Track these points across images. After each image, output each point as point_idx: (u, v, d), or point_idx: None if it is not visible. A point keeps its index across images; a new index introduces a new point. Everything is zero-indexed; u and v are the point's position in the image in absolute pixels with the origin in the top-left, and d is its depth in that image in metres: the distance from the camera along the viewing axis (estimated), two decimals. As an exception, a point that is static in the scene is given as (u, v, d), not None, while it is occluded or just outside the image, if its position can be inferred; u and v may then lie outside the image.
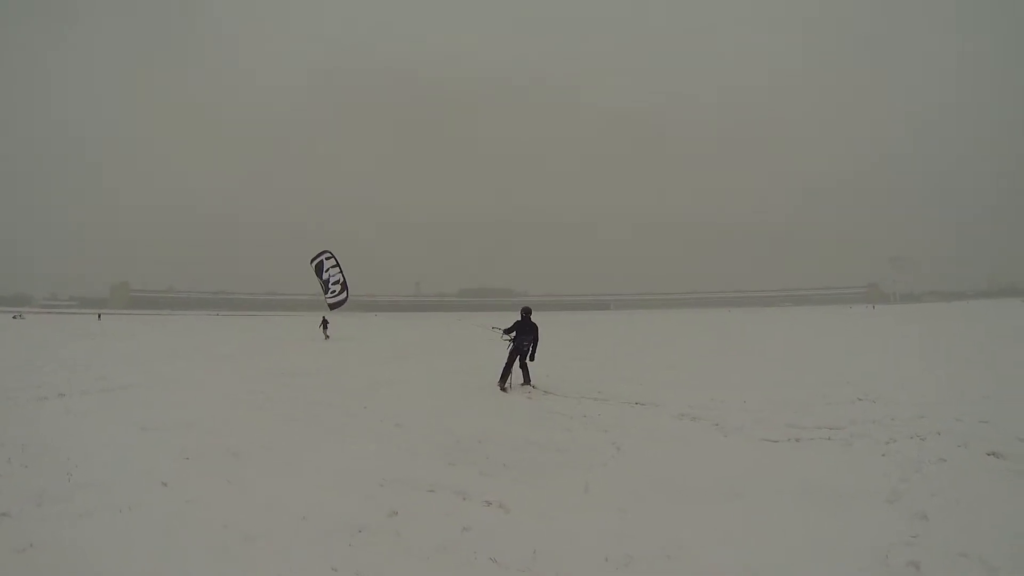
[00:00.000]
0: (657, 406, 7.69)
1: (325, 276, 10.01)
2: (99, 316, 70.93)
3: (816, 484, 4.35)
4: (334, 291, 10.12)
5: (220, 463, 5.20)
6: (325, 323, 29.67)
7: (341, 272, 10.06)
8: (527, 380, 9.71)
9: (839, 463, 4.93)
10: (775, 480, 4.50)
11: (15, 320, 54.02)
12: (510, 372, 9.66)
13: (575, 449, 5.60)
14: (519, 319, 9.87)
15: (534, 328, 9.77)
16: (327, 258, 10.07)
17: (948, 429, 5.79)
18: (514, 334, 9.80)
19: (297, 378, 11.40)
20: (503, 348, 10.40)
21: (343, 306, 10.47)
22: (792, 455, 5.25)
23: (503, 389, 9.40)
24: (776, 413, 6.94)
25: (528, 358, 9.82)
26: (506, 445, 5.79)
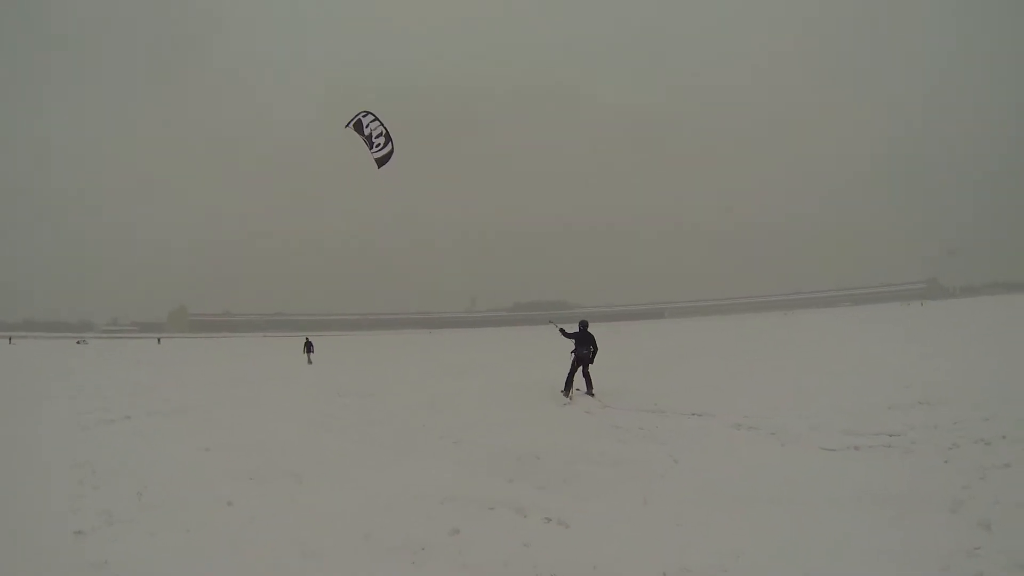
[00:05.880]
0: (714, 416, 7.65)
1: (367, 131, 9.35)
2: (159, 340, 73.37)
3: (875, 492, 4.28)
4: (379, 143, 9.36)
5: (282, 482, 5.39)
6: (309, 346, 25.81)
7: (382, 124, 9.34)
8: (590, 388, 10.06)
9: (899, 470, 4.84)
10: (833, 489, 4.47)
11: (79, 345, 55.65)
12: (573, 380, 10.04)
13: (632, 462, 5.65)
14: (577, 331, 10.40)
15: (591, 338, 10.28)
16: (364, 115, 9.41)
17: (1014, 433, 5.56)
18: (574, 343, 10.28)
19: (355, 397, 11.70)
20: (562, 360, 10.73)
21: (390, 161, 9.49)
22: (851, 463, 5.18)
23: (567, 396, 9.81)
24: (833, 420, 6.81)
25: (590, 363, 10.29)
26: (564, 459, 5.86)
